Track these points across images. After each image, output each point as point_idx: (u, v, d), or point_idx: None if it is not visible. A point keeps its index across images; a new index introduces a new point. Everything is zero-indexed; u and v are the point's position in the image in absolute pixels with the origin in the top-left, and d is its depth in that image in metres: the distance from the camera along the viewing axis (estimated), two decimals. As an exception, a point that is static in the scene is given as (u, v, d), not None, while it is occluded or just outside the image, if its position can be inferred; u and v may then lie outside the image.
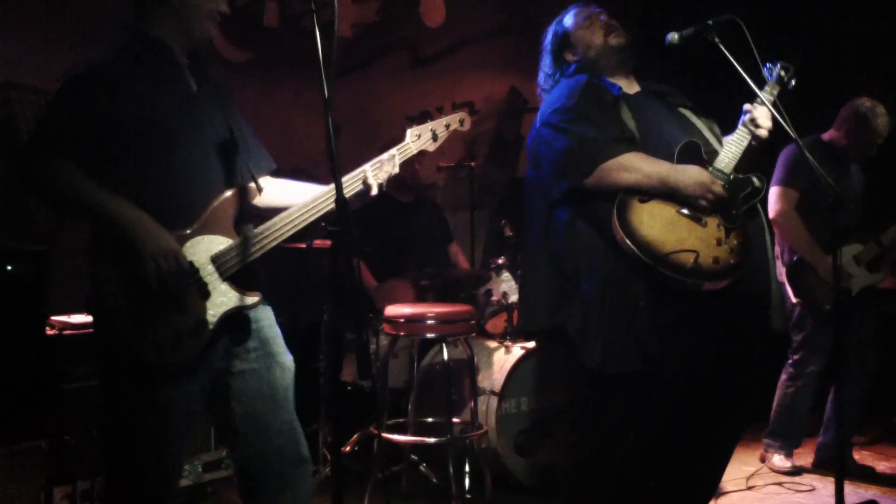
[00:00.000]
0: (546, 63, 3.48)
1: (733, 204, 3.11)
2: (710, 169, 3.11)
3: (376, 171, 2.82)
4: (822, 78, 3.20)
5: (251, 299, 2.64)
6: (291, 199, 2.76)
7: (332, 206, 2.68)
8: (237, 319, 2.64)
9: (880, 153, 4.96)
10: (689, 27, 3.28)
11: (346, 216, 2.41)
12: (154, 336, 2.46)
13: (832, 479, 3.51)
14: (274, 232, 2.68)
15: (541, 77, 3.50)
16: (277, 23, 5.80)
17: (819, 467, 4.97)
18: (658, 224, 3.03)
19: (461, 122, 3.10)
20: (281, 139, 5.69)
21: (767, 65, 3.27)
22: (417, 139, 2.95)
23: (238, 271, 2.62)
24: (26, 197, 4.59)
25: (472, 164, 5.83)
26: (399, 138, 2.95)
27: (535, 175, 3.29)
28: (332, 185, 2.71)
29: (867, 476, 4.80)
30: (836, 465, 4.56)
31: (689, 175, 3.07)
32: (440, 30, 6.60)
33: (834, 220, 4.55)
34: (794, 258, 4.74)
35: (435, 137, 3.00)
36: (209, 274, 2.57)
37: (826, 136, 4.92)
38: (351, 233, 2.39)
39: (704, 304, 3.04)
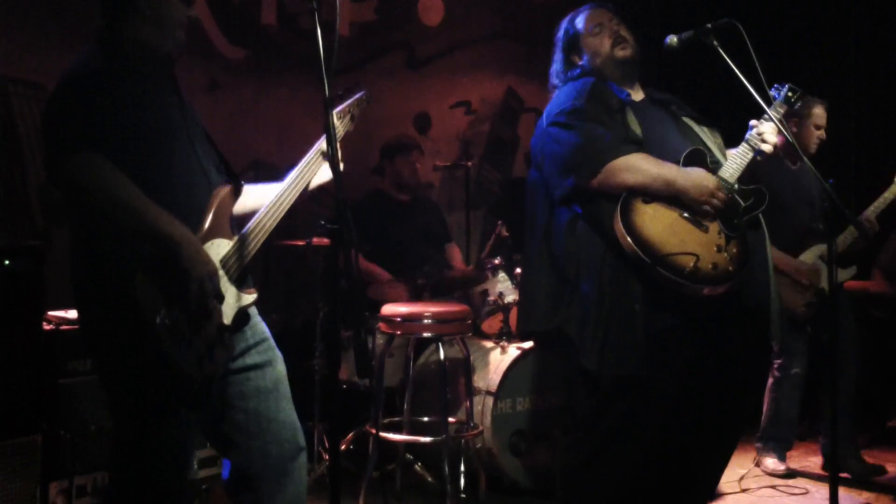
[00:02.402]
0: (557, 58, 3.49)
1: (735, 213, 3.13)
2: (715, 177, 3.13)
3: (309, 170, 2.83)
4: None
5: (251, 297, 2.66)
6: (257, 201, 2.77)
7: (302, 190, 2.77)
8: (239, 318, 2.64)
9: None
10: (688, 30, 3.30)
11: (345, 214, 2.42)
12: (193, 350, 2.44)
13: (826, 483, 3.55)
14: (262, 227, 2.69)
15: (552, 71, 3.51)
16: (275, 21, 5.79)
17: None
18: (660, 226, 3.04)
19: (367, 100, 3.09)
20: (278, 137, 5.69)
21: (776, 85, 3.31)
22: (341, 121, 2.95)
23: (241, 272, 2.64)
24: (23, 192, 4.58)
25: (469, 164, 5.84)
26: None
27: (539, 176, 3.30)
28: (297, 171, 2.78)
29: (876, 473, 4.83)
30: (842, 466, 4.61)
31: (694, 179, 3.09)
32: (438, 30, 6.61)
33: (797, 219, 4.66)
34: None
35: (353, 118, 3.00)
36: (221, 279, 2.56)
37: None
38: (350, 230, 2.40)
39: (702, 311, 3.05)
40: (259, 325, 2.78)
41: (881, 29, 6.70)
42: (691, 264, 2.99)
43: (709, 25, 3.25)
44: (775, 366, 4.91)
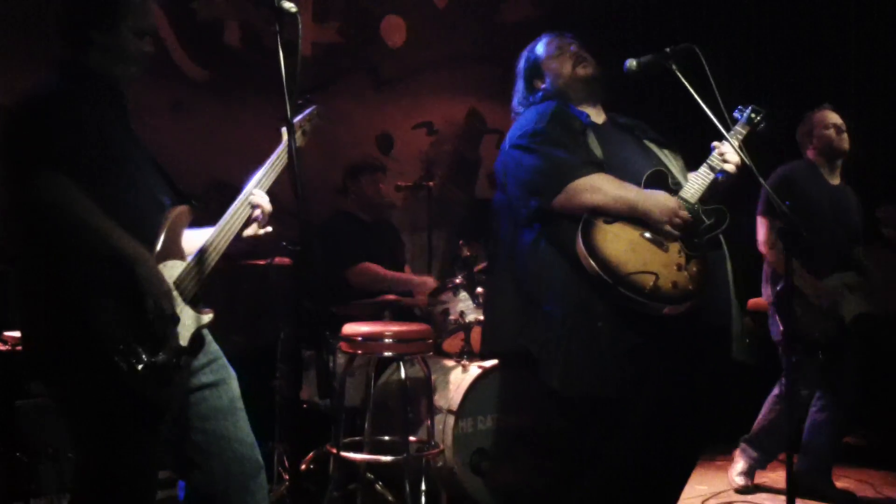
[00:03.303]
0: (519, 87, 3.55)
1: (696, 232, 3.17)
2: (676, 197, 3.17)
3: (263, 183, 2.83)
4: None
5: (207, 317, 2.67)
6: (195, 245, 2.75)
7: (250, 210, 2.77)
8: (195, 339, 2.65)
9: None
10: (647, 55, 3.35)
11: (308, 234, 2.45)
12: (152, 373, 2.44)
13: (783, 497, 3.60)
14: (215, 246, 2.70)
15: (514, 101, 3.57)
16: (239, 41, 5.81)
17: (802, 495, 4.77)
18: (621, 245, 3.08)
19: (319, 115, 3.11)
20: (241, 159, 5.66)
21: (739, 106, 3.36)
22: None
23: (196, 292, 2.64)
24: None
25: (431, 184, 5.86)
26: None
27: (503, 198, 3.34)
28: (245, 193, 2.78)
29: (849, 502, 4.80)
30: (813, 488, 4.61)
31: (656, 200, 3.13)
32: (402, 51, 6.65)
33: (810, 244, 4.63)
34: (780, 286, 4.72)
35: (305, 133, 3.03)
36: (176, 300, 2.56)
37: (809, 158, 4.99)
38: (312, 251, 2.42)
39: (665, 331, 3.09)
40: (211, 345, 2.78)
41: (879, 36, 6.75)
42: (651, 283, 3.03)
43: (667, 49, 3.30)
44: (783, 381, 4.79)
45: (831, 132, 4.87)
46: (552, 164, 3.17)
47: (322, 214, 5.38)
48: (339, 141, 6.15)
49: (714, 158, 3.30)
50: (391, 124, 6.60)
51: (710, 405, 3.33)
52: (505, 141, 3.39)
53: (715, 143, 3.33)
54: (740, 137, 3.34)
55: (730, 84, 3.25)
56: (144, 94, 2.77)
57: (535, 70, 3.51)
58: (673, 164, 3.43)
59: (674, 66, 3.29)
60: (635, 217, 3.14)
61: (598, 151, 3.25)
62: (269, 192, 2.84)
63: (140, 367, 2.41)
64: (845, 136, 4.89)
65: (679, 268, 3.11)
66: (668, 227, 3.12)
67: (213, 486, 2.69)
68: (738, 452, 5.04)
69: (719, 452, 5.39)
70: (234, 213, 2.76)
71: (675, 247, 3.14)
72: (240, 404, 2.79)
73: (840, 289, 4.69)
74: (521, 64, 3.57)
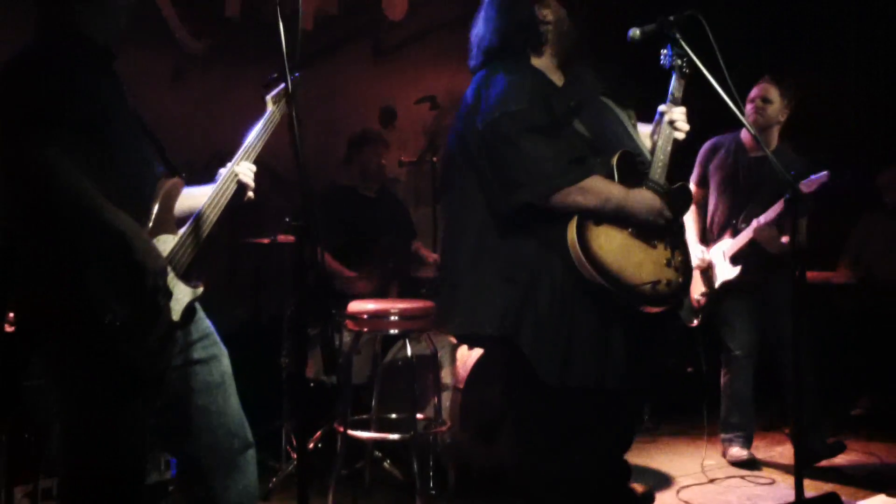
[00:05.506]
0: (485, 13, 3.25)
1: (676, 219, 3.12)
2: (651, 183, 3.08)
3: (248, 156, 2.81)
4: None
5: (198, 290, 2.64)
6: (194, 203, 2.72)
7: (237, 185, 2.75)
8: (187, 313, 2.62)
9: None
10: (649, 23, 3.25)
11: (311, 208, 2.42)
12: (146, 347, 2.43)
13: (791, 474, 3.57)
14: (206, 218, 2.67)
15: (489, 29, 3.24)
16: (238, 13, 5.73)
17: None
18: (615, 248, 2.97)
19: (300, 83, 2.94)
20: (242, 130, 5.62)
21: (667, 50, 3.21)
22: (276, 105, 2.88)
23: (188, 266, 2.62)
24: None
25: (435, 158, 5.81)
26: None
27: (472, 165, 3.08)
28: (233, 163, 2.76)
29: (837, 451, 4.85)
30: (802, 455, 4.60)
31: (641, 200, 3.02)
32: (403, 21, 6.57)
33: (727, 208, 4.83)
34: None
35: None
36: (169, 275, 2.54)
37: None
38: (316, 225, 2.39)
39: (641, 316, 3.05)
40: (203, 321, 2.77)
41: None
42: (650, 290, 2.98)
43: (671, 17, 3.21)
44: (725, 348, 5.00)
45: (748, 107, 4.87)
46: (538, 165, 2.93)
47: (320, 187, 5.33)
48: (339, 113, 6.10)
49: (666, 126, 3.14)
50: (392, 95, 6.54)
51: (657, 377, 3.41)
52: (471, 108, 3.06)
53: (662, 108, 3.18)
54: (679, 96, 3.20)
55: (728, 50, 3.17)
56: (144, 65, 2.70)
57: None
58: (626, 120, 3.24)
59: (678, 35, 3.20)
60: (622, 217, 3.01)
61: (585, 131, 3.08)
62: (271, 167, 2.80)
63: (135, 339, 2.40)
64: (770, 107, 4.84)
65: (668, 263, 3.03)
66: (653, 226, 3.04)
67: (201, 459, 2.70)
68: (723, 447, 5.04)
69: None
70: (224, 184, 2.73)
71: (661, 242, 3.06)
72: (230, 381, 2.78)
73: (717, 255, 4.85)
74: None
